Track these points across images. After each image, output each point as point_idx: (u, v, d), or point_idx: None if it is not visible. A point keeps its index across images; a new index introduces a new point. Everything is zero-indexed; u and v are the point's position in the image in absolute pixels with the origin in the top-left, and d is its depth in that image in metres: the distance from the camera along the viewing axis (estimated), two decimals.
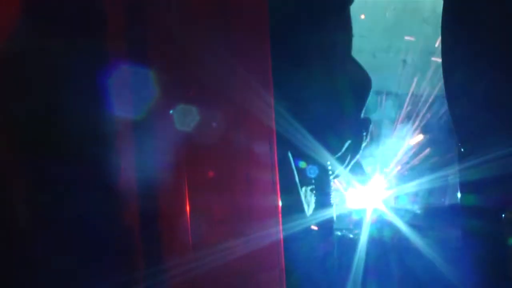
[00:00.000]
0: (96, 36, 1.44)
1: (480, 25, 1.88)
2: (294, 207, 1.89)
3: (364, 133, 2.10)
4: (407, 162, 3.16)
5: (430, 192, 2.97)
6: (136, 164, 1.44)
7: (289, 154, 1.88)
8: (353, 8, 2.04)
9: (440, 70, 2.08)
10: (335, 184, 2.10)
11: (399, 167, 3.14)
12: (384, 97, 3.12)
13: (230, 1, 1.49)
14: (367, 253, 2.45)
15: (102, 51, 1.44)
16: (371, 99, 2.11)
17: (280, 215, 1.51)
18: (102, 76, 1.43)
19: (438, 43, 2.09)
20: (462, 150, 2.07)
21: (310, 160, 1.94)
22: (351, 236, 2.63)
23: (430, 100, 3.24)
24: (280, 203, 1.52)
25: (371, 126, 2.14)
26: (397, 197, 2.90)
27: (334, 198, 2.07)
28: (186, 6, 1.47)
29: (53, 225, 1.43)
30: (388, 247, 2.73)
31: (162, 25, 1.46)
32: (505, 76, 1.85)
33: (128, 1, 1.45)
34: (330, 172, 2.03)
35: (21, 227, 1.41)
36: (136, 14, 1.45)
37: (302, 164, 1.94)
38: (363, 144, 2.10)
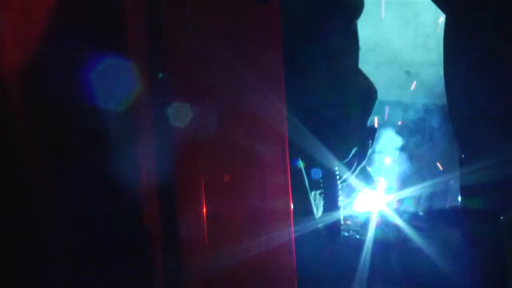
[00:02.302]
0: (115, 45, 1.44)
1: (480, 37, 1.88)
2: (304, 210, 1.88)
3: (370, 141, 2.09)
4: (410, 167, 3.15)
5: (432, 195, 2.96)
6: (157, 168, 1.44)
7: (300, 160, 1.87)
8: (360, 23, 2.04)
9: (442, 81, 2.08)
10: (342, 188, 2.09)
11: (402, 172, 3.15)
12: (388, 107, 3.12)
13: (245, 14, 1.50)
14: (373, 253, 2.44)
15: (121, 60, 1.44)
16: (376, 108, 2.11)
17: (292, 217, 1.50)
18: (123, 83, 1.43)
19: (440, 56, 2.08)
20: (463, 156, 2.06)
21: (319, 165, 1.93)
22: (357, 236, 2.62)
23: (432, 109, 3.23)
24: (292, 206, 1.51)
25: (376, 134, 2.14)
26: (400, 200, 2.89)
27: (341, 201, 2.06)
28: (204, 20, 1.48)
29: (73, 226, 1.43)
30: (392, 247, 2.72)
31: (181, 38, 1.46)
32: (504, 85, 1.84)
33: (149, 15, 1.45)
34: (338, 177, 2.02)
35: (37, 227, 1.41)
36: (156, 27, 1.45)
37: (312, 170, 1.93)
38: (369, 151, 2.10)
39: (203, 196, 1.45)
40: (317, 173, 1.95)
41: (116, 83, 1.42)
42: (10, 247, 1.39)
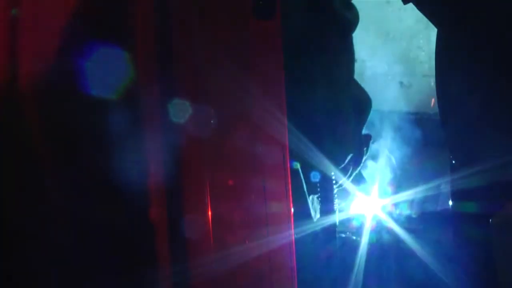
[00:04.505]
0: (125, 53, 1.44)
1: (471, 48, 1.88)
2: (303, 214, 1.88)
3: (365, 148, 2.10)
4: (404, 173, 3.15)
5: (425, 199, 2.96)
6: (163, 171, 1.44)
7: (299, 165, 1.87)
8: (356, 36, 2.04)
9: (433, 91, 2.08)
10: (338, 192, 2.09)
11: (396, 177, 3.14)
12: (383, 115, 3.13)
13: (250, 28, 1.50)
14: (368, 254, 2.44)
15: (130, 67, 1.44)
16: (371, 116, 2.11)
17: (292, 220, 1.50)
18: (131, 88, 1.43)
19: (431, 67, 2.09)
20: (453, 162, 2.06)
21: (317, 170, 1.93)
22: (354, 238, 2.63)
23: (425, 118, 3.24)
24: (292, 210, 1.51)
25: (370, 142, 2.14)
26: (395, 204, 2.89)
27: (337, 205, 2.06)
28: (209, 37, 1.48)
29: (78, 226, 1.42)
30: (386, 249, 2.72)
31: (188, 51, 1.47)
32: (494, 95, 1.85)
33: (158, 32, 1.46)
34: (334, 182, 2.02)
35: (41, 227, 1.40)
36: (164, 44, 1.46)
37: (310, 175, 1.93)
38: (364, 158, 2.10)
39: (209, 200, 1.45)
40: (315, 178, 1.95)
41: (124, 88, 1.42)
42: (15, 247, 1.39)
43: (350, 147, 2.02)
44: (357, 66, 2.09)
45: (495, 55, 1.84)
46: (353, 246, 2.49)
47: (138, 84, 1.43)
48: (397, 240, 2.68)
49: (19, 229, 1.38)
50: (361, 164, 2.11)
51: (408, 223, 2.79)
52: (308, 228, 1.88)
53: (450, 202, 2.15)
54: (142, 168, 1.42)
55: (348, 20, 1.99)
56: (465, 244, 2.04)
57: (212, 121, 1.44)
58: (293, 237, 1.51)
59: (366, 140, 2.11)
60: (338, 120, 1.96)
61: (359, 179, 2.27)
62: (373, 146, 2.15)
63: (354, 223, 2.77)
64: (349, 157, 2.02)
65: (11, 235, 1.37)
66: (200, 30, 1.46)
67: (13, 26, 1.41)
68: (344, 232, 2.66)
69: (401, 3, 2.09)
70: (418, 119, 3.28)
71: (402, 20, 3.41)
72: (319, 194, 2.00)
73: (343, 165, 2.02)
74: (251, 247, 1.45)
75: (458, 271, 2.10)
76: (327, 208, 2.02)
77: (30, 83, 1.41)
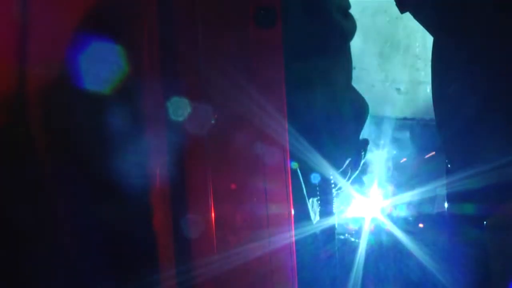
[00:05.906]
0: (129, 62, 1.44)
1: (467, 56, 1.88)
2: (303, 216, 1.88)
3: (363, 152, 2.09)
4: (401, 176, 3.16)
5: (421, 201, 2.96)
6: (167, 175, 1.44)
7: (299, 169, 1.87)
8: (353, 44, 2.04)
9: (429, 97, 2.08)
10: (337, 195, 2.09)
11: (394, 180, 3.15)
12: (380, 121, 3.13)
13: (251, 35, 1.50)
14: (367, 255, 2.43)
15: (135, 75, 1.43)
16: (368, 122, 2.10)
17: (292, 222, 1.50)
18: (137, 93, 1.43)
19: (427, 75, 2.08)
20: (449, 166, 2.06)
21: (316, 174, 1.92)
22: (352, 239, 2.63)
23: (422, 123, 3.24)
24: (292, 212, 1.51)
25: (368, 146, 2.13)
26: (393, 206, 2.89)
27: (336, 207, 2.06)
28: (212, 43, 1.48)
29: (83, 228, 1.41)
30: (384, 250, 2.72)
31: (191, 60, 1.47)
32: (489, 101, 1.84)
33: (161, 39, 1.46)
34: (333, 185, 2.02)
35: (43, 229, 1.39)
36: (168, 50, 1.46)
37: (310, 178, 1.92)
38: (362, 162, 2.09)
39: (212, 203, 1.45)
40: (314, 181, 1.94)
41: (128, 90, 1.41)
42: (16, 248, 1.38)
43: (349, 151, 2.01)
44: (355, 73, 2.09)
45: (491, 60, 1.84)
46: (352, 248, 2.48)
47: (142, 87, 1.43)
48: (395, 242, 2.67)
49: (21, 230, 1.37)
50: (360, 168, 2.10)
51: (405, 225, 2.79)
52: (308, 230, 1.88)
53: (446, 204, 2.14)
54: (145, 169, 1.42)
55: (346, 28, 1.99)
56: (461, 245, 2.03)
57: (216, 127, 1.44)
58: (294, 239, 1.50)
59: (364, 145, 2.11)
60: (337, 124, 1.95)
61: (357, 182, 2.26)
62: (370, 151, 2.14)
63: (353, 225, 2.77)
64: (348, 161, 2.01)
65: (13, 236, 1.36)
66: (203, 36, 1.46)
67: (18, 26, 1.41)
68: (343, 234, 2.66)
69: (398, 12, 2.09)
70: (415, 124, 3.28)
71: (399, 28, 3.42)
72: (318, 196, 1.99)
73: (342, 169, 2.01)
74: (252, 248, 1.45)
75: (454, 271, 2.09)
76: (326, 210, 2.01)
77: (33, 82, 1.40)
